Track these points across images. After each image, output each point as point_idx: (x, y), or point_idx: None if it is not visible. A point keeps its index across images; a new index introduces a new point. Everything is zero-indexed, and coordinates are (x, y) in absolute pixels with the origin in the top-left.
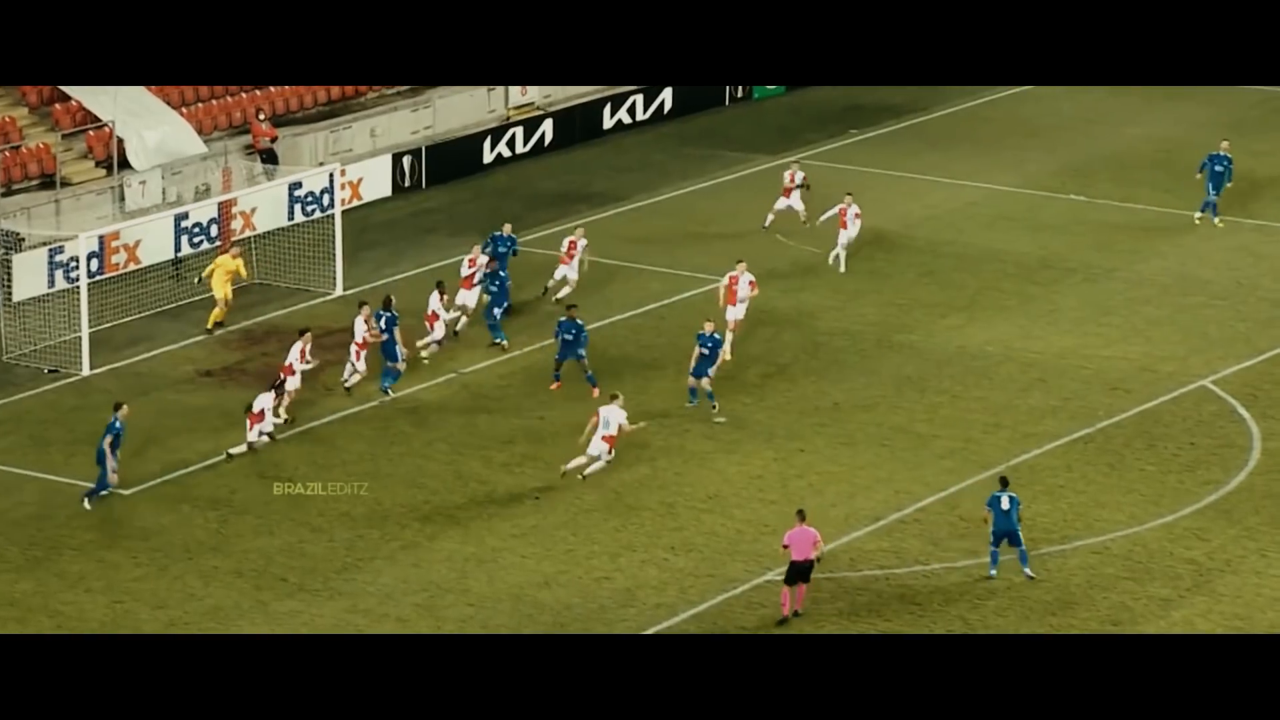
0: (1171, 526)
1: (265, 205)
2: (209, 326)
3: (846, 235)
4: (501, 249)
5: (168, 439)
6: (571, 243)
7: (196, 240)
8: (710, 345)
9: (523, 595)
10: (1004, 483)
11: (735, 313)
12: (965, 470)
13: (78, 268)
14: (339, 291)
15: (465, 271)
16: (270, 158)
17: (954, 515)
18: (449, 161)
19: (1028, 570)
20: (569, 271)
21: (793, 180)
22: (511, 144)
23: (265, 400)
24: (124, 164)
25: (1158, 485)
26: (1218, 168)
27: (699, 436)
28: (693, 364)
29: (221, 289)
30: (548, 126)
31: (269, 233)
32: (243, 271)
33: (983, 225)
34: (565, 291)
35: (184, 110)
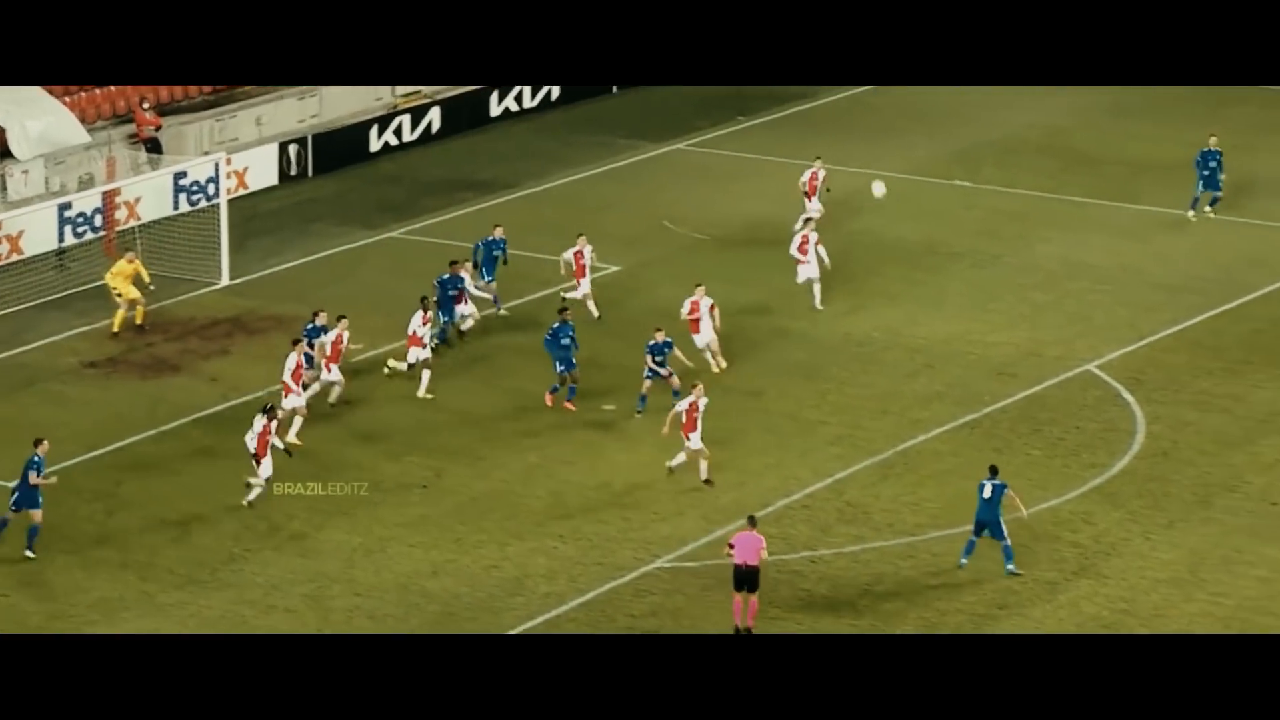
0: (1057, 510)
1: (150, 195)
2: (115, 330)
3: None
4: (496, 252)
5: (52, 430)
6: (578, 254)
7: (80, 230)
8: (660, 354)
9: (410, 585)
10: (993, 471)
11: (705, 337)
12: (853, 457)
13: None
14: (225, 281)
15: (470, 289)
16: (155, 147)
17: (841, 501)
18: (336, 150)
19: (1010, 567)
20: (584, 285)
21: (814, 180)
22: (399, 132)
23: (260, 422)
24: (6, 153)
25: (1043, 469)
26: (1210, 164)
27: (588, 425)
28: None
29: (125, 289)
30: (435, 114)
31: (154, 223)
32: (144, 274)
33: (870, 211)
34: (591, 305)
35: (67, 99)
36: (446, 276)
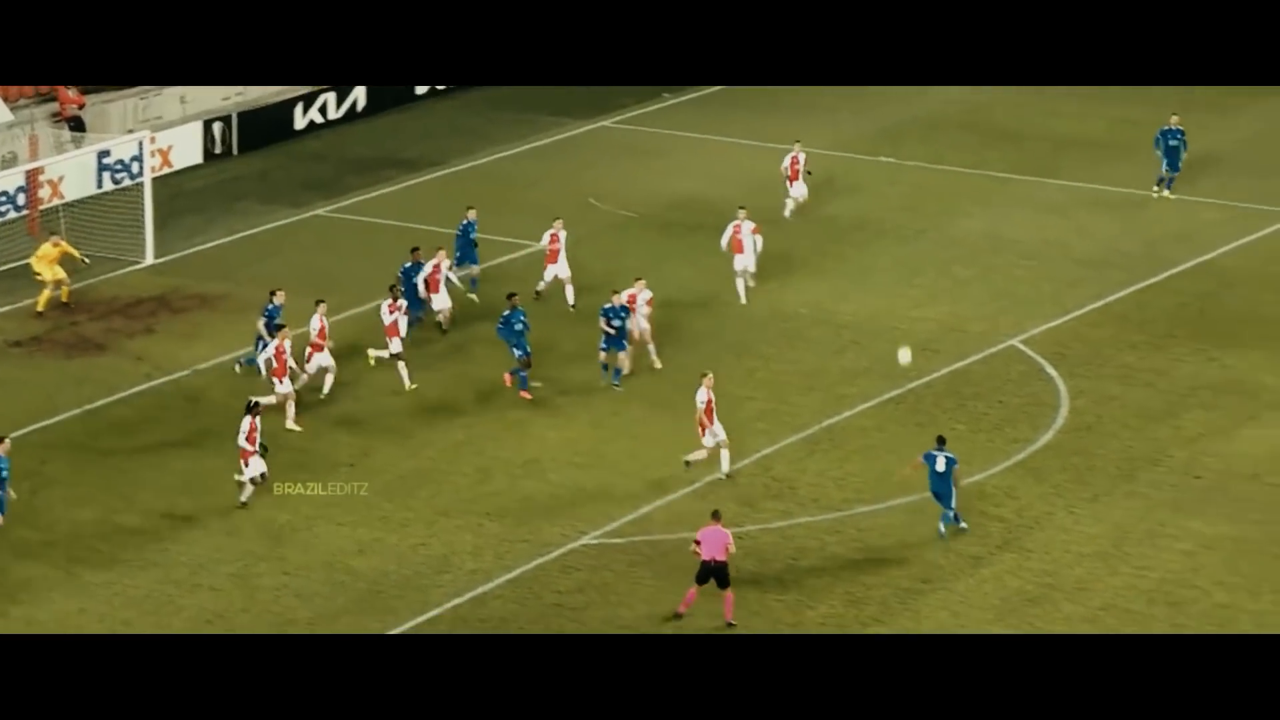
0: (982, 485)
1: (73, 173)
2: (40, 310)
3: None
4: (472, 235)
5: None
6: (554, 236)
7: (3, 210)
8: (618, 319)
9: (336, 563)
10: (940, 441)
11: (639, 323)
12: (779, 433)
13: None
14: (149, 260)
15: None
16: (78, 125)
17: (768, 477)
18: (260, 128)
19: (942, 527)
20: (559, 270)
21: (795, 164)
22: (324, 110)
23: (245, 425)
24: None
25: (968, 444)
26: (1171, 142)
27: (514, 402)
28: (601, 340)
29: (49, 271)
30: (360, 93)
31: (78, 201)
32: (74, 253)
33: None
34: (570, 291)
35: None
36: (409, 264)
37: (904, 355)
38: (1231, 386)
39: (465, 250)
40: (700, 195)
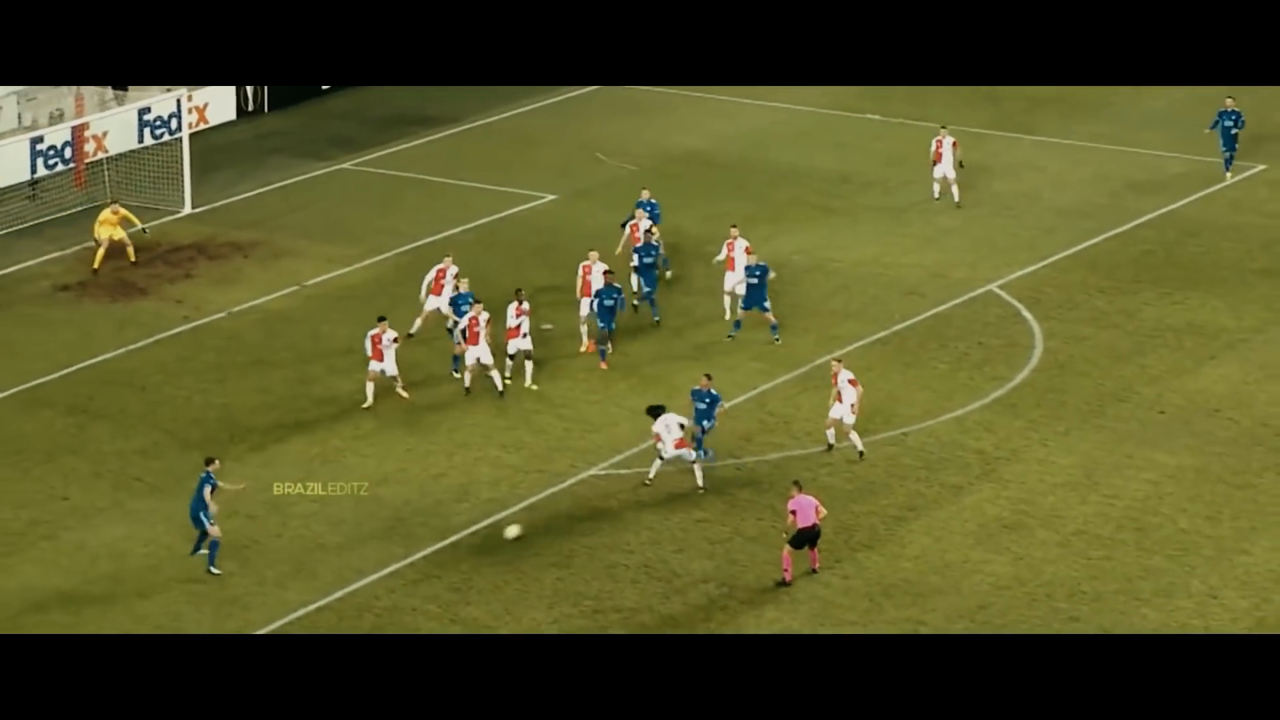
0: (962, 420)
1: (116, 129)
2: (96, 268)
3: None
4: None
5: (27, 349)
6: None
7: (51, 162)
8: (757, 274)
9: (363, 492)
10: (708, 377)
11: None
12: (774, 371)
13: None
14: (187, 210)
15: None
16: (120, 84)
17: (764, 412)
18: (290, 88)
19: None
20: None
21: (939, 147)
22: None
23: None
24: None
25: (949, 382)
26: (1226, 123)
27: (529, 343)
28: (742, 302)
29: (108, 232)
30: None
31: (120, 155)
32: (134, 219)
33: (787, 143)
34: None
35: None
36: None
37: (511, 531)
38: (1193, 328)
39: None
40: (698, 149)
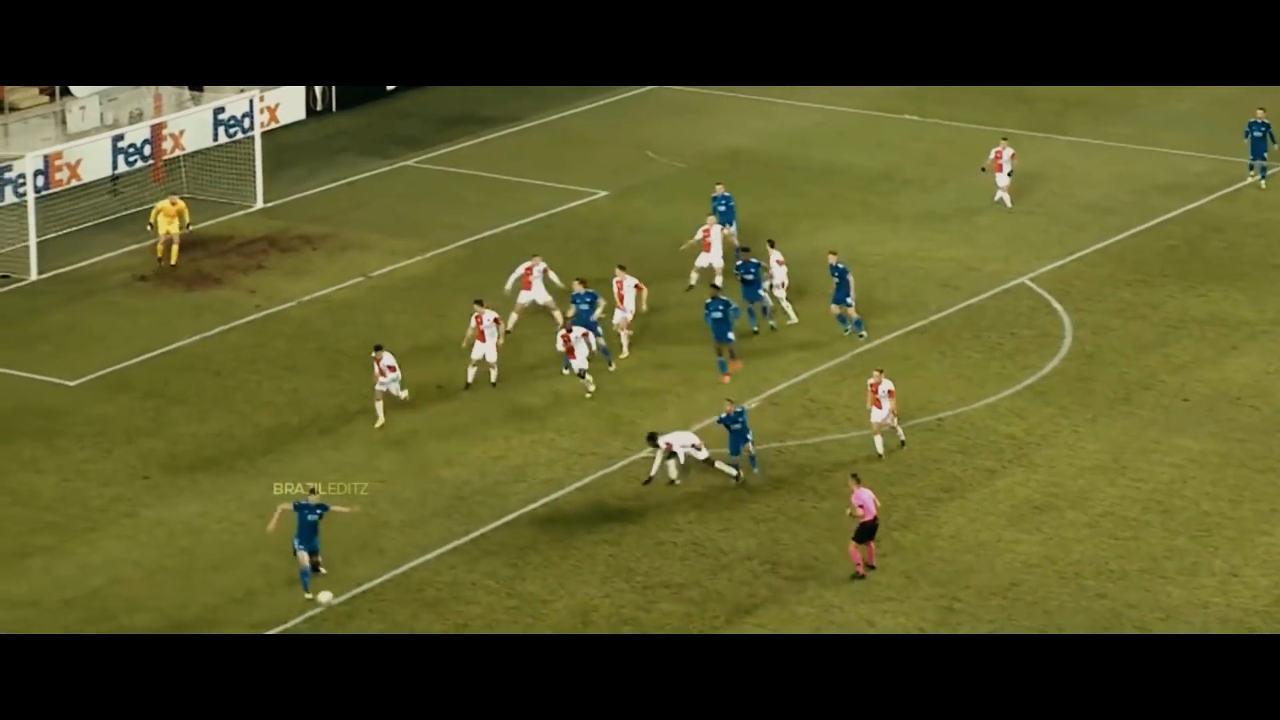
0: (995, 406)
1: (192, 128)
2: (160, 257)
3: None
4: (720, 209)
5: (108, 336)
6: (706, 231)
7: (131, 160)
8: (838, 274)
9: (427, 472)
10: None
11: (623, 314)
12: (815, 360)
13: (25, 184)
14: (259, 204)
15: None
16: (197, 85)
17: (806, 398)
18: (357, 88)
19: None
20: (714, 259)
21: (999, 157)
22: None
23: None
24: (66, 91)
25: (983, 370)
26: (1256, 133)
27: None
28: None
29: (165, 224)
30: None
31: (196, 152)
32: (186, 215)
33: (828, 142)
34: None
35: None
36: (739, 263)
37: (324, 597)
38: (1216, 320)
39: (727, 219)
40: (741, 148)
